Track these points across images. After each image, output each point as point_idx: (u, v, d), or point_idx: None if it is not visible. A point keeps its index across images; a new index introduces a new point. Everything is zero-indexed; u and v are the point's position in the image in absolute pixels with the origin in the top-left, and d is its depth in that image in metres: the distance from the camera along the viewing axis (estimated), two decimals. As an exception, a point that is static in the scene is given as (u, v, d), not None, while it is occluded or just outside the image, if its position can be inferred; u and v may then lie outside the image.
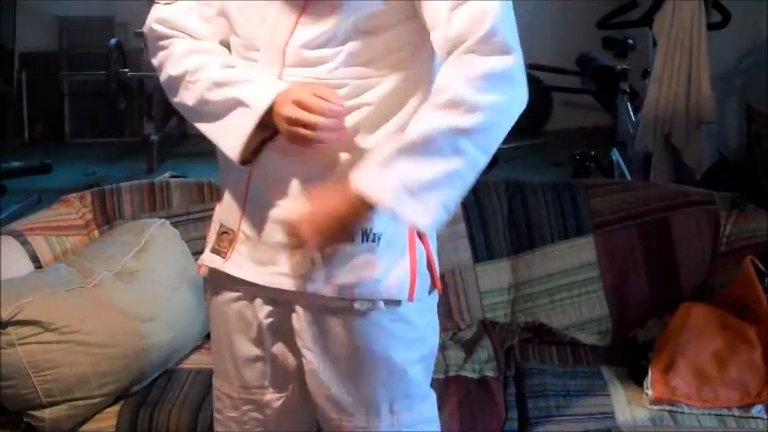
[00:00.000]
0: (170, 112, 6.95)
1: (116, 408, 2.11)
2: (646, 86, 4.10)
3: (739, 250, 2.44)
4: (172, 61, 1.58)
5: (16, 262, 2.29)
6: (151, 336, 2.18)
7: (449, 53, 1.42)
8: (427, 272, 1.60)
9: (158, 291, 2.29)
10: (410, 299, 1.55)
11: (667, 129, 3.79)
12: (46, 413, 2.05)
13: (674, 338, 2.22)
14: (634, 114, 4.68)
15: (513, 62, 1.41)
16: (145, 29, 1.64)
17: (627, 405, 2.12)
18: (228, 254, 1.63)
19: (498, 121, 1.43)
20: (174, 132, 6.93)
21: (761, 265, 2.31)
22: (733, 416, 2.08)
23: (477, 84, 1.39)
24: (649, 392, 2.11)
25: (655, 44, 4.01)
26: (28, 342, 2.02)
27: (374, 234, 1.52)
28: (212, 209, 2.54)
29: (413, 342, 1.61)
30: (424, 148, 1.41)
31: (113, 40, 6.34)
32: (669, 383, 2.11)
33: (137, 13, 6.58)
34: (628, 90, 4.84)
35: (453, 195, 1.45)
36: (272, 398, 1.69)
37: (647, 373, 2.15)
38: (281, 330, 1.63)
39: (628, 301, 2.49)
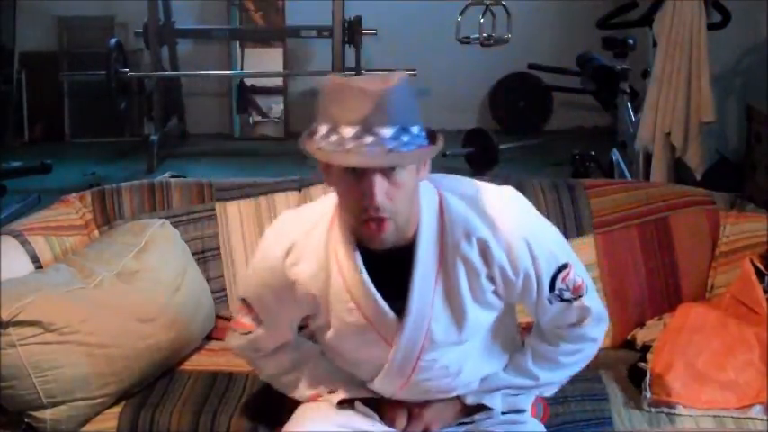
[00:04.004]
0: (170, 111, 6.98)
1: (117, 409, 2.11)
2: (646, 86, 4.09)
3: (739, 250, 2.44)
4: (263, 375, 1.98)
5: (16, 262, 2.29)
6: (152, 336, 2.18)
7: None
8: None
9: (158, 291, 2.29)
10: None
11: (667, 129, 3.79)
12: (47, 414, 2.05)
13: (673, 339, 2.22)
14: (634, 114, 4.68)
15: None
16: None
17: (624, 407, 2.11)
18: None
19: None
20: (173, 132, 6.93)
21: (761, 266, 2.31)
22: (731, 417, 2.07)
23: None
24: (647, 394, 2.11)
25: (655, 44, 4.01)
26: (28, 342, 2.02)
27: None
28: (212, 209, 2.57)
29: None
30: None
31: (113, 40, 6.32)
32: (667, 385, 2.11)
33: (137, 13, 6.65)
34: (628, 90, 4.83)
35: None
36: None
37: (645, 374, 2.15)
38: None
39: (627, 301, 2.47)
